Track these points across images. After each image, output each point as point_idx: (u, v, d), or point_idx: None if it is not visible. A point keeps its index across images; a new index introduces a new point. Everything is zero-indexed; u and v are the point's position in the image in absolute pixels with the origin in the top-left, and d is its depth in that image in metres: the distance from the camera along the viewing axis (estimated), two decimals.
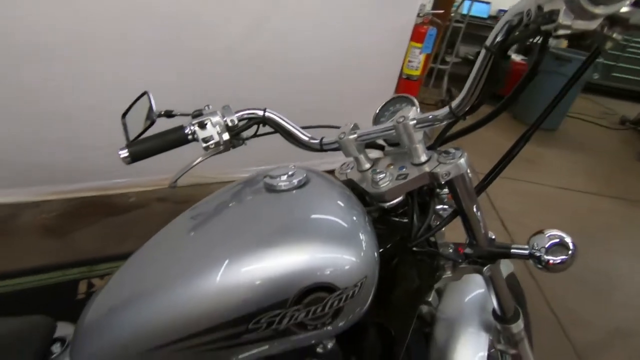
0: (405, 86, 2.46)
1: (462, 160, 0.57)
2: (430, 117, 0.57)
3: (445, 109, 0.56)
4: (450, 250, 0.72)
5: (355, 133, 0.65)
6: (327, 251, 0.50)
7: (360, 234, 0.54)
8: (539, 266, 0.63)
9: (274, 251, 0.49)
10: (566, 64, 3.83)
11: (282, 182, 0.57)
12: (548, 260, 0.61)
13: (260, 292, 0.47)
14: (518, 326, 0.81)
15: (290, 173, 0.59)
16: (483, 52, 0.49)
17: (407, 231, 0.66)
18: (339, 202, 0.57)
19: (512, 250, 0.65)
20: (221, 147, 0.78)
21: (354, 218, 0.56)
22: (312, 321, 0.49)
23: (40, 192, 1.86)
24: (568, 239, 0.64)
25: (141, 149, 0.65)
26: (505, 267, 1.04)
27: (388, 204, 0.64)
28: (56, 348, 0.56)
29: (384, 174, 0.62)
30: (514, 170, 3.10)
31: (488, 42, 0.48)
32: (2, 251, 1.61)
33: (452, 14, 3.91)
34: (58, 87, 1.64)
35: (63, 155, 1.80)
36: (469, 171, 0.64)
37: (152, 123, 0.68)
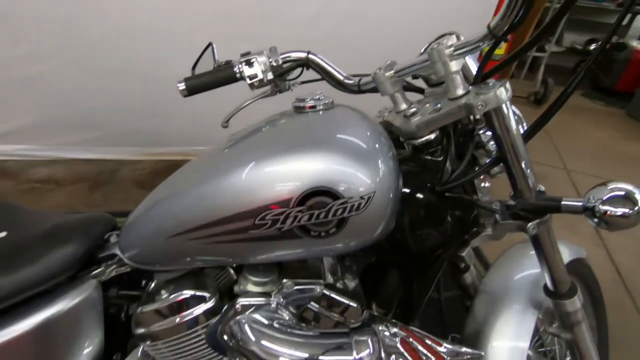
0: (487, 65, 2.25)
1: (502, 91, 0.52)
2: (468, 41, 0.53)
3: (483, 31, 0.51)
4: (495, 207, 0.66)
5: (391, 69, 0.63)
6: (336, 161, 0.51)
7: (377, 157, 0.53)
8: (595, 220, 0.54)
9: (285, 154, 0.52)
10: None
11: (309, 102, 0.59)
12: (605, 212, 0.52)
13: (267, 189, 0.50)
14: (574, 304, 0.70)
15: (317, 97, 0.60)
16: None
17: (438, 173, 0.63)
18: (362, 126, 0.56)
19: (562, 203, 0.57)
20: (268, 90, 0.83)
21: (376, 144, 0.55)
22: (315, 227, 0.50)
23: (136, 153, 2.18)
24: (639, 195, 0.54)
25: (196, 83, 0.72)
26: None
27: (419, 140, 0.62)
28: (113, 238, 0.67)
29: (416, 109, 0.60)
30: (612, 167, 2.66)
31: None
32: (108, 196, 1.95)
33: None
34: (158, 61, 1.90)
35: (154, 122, 2.07)
36: (511, 107, 0.58)
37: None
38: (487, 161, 0.67)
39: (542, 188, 0.62)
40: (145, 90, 1.97)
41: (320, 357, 0.53)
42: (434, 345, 0.56)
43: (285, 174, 0.51)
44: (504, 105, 0.54)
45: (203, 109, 1.56)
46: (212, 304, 0.60)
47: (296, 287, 0.59)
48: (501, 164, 0.63)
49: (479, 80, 0.57)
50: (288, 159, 0.51)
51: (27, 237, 0.64)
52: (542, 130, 0.60)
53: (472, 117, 0.63)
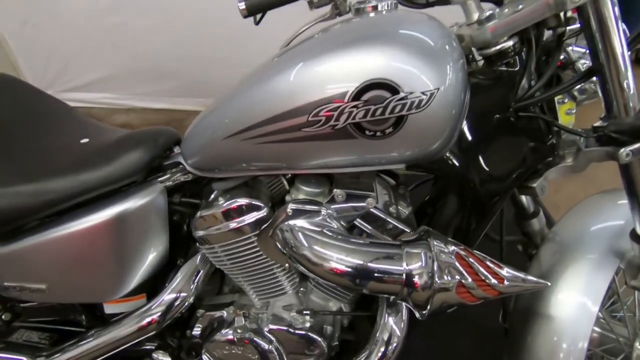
0: None
1: None
2: None
3: None
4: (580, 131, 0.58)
5: None
6: (397, 54, 0.47)
7: (443, 57, 0.48)
8: None
9: (342, 47, 0.50)
10: None
11: (372, 2, 0.55)
12: None
13: (321, 82, 0.49)
14: None
15: None
16: None
17: (513, 88, 0.56)
18: (430, 26, 0.51)
19: None
20: (328, 13, 0.79)
21: (445, 45, 0.50)
22: (371, 125, 0.48)
23: (203, 104, 2.28)
24: None
25: (257, 2, 0.71)
26: None
27: (494, 48, 0.55)
28: (177, 149, 0.72)
29: (492, 12, 0.52)
30: None
31: None
32: None
33: None
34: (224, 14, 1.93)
35: (224, 74, 2.12)
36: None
37: None
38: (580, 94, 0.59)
39: None
40: (219, 42, 2.03)
41: (369, 264, 0.53)
42: (495, 267, 0.52)
43: (341, 66, 0.48)
44: None
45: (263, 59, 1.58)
46: (265, 213, 0.62)
47: (346, 202, 0.58)
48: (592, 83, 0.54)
49: None
50: (345, 51, 0.49)
51: (104, 143, 0.71)
52: None
53: (562, 16, 0.54)
